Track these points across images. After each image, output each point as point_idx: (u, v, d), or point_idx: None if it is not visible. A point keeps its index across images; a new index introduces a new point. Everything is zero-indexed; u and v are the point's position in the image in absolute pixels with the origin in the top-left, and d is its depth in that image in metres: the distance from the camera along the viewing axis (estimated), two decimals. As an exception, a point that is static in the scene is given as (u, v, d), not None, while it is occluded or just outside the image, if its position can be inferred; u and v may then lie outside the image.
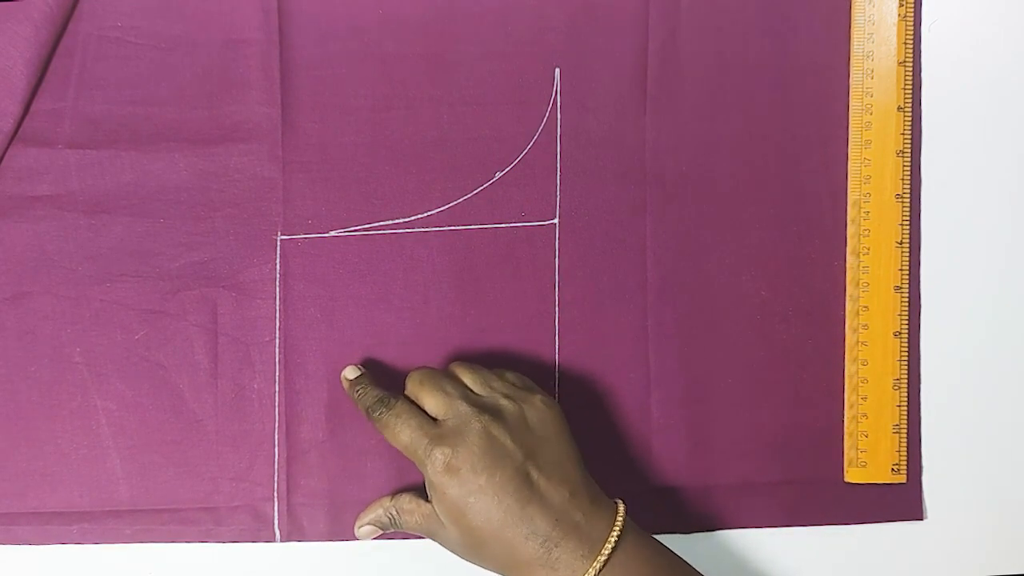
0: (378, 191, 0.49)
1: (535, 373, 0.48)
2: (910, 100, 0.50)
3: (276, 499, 0.49)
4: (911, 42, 0.50)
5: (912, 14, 0.50)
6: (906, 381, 0.50)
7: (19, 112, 0.47)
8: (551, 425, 0.44)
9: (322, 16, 0.49)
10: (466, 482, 0.41)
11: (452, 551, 0.44)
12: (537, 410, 0.44)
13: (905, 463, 0.50)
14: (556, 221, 0.49)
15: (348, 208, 0.49)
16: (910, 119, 0.50)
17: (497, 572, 0.42)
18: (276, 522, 0.48)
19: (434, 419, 0.44)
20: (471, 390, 0.44)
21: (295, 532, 0.49)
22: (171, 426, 0.49)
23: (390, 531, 0.46)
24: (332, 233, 0.49)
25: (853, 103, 0.50)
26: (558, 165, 0.49)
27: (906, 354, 0.50)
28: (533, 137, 0.49)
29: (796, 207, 0.50)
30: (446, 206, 0.49)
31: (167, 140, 0.48)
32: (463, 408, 0.43)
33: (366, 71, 0.49)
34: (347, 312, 0.49)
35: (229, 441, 0.49)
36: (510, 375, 0.46)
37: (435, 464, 0.42)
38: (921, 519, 0.50)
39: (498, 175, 0.49)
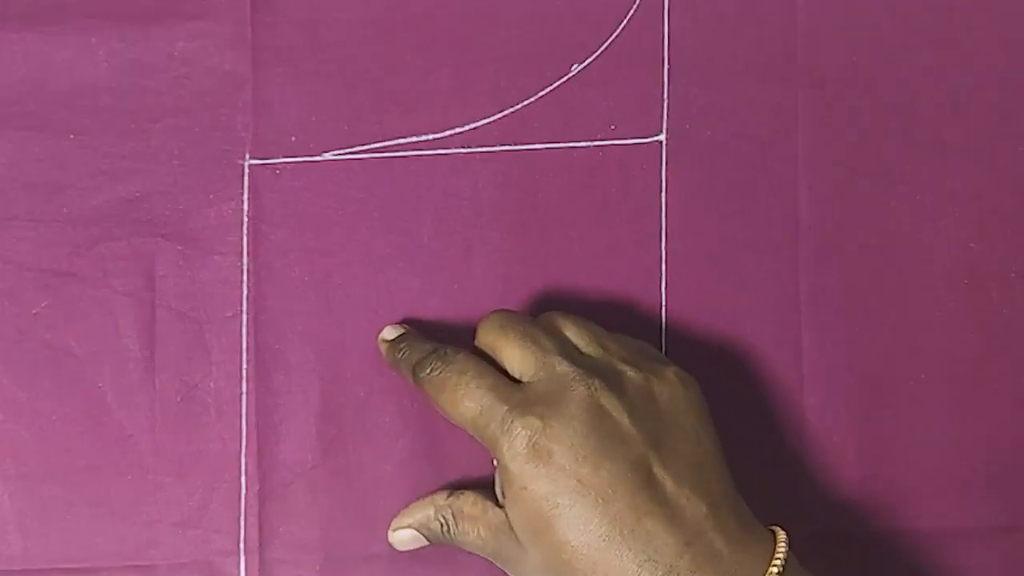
0: (395, 93, 0.43)
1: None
2: None
3: (243, 553, 0.42)
4: None
5: None
6: None
7: None
8: (689, 410, 0.37)
9: None
10: (559, 473, 0.35)
11: None
12: (670, 386, 0.37)
13: None
14: (663, 138, 0.43)
15: (350, 118, 0.43)
16: None
17: None
18: (243, 587, 0.43)
19: (516, 381, 0.38)
20: (576, 347, 0.38)
21: (273, 602, 0.43)
22: (85, 444, 0.42)
23: (442, 544, 0.40)
24: (326, 156, 0.43)
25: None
26: (665, 55, 0.43)
27: None
28: (628, 13, 0.43)
29: (1022, 129, 0.43)
30: (498, 115, 0.43)
31: (79, 16, 0.42)
32: (563, 367, 0.36)
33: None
34: (348, 273, 0.43)
35: (173, 467, 0.42)
36: (631, 339, 0.40)
37: (515, 443, 0.35)
38: None
39: (575, 69, 0.43)
